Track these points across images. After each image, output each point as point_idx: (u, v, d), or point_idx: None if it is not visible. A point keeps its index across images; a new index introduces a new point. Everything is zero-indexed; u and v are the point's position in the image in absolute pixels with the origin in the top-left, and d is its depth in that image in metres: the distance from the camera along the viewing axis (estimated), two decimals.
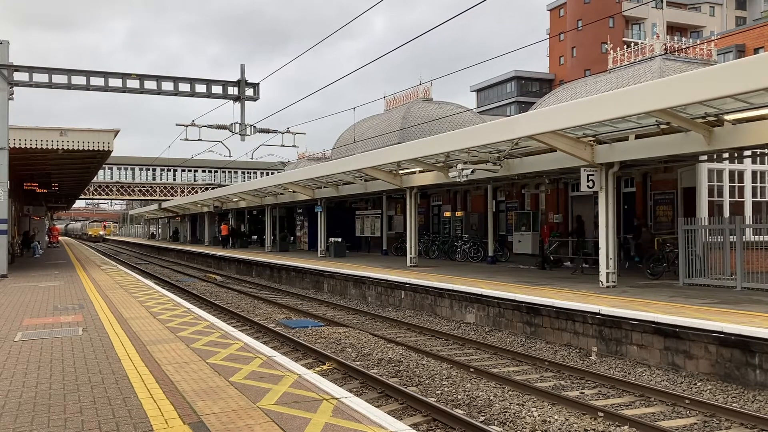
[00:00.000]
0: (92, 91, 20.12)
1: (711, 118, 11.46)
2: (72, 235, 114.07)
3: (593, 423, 7.32)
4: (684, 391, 8.56)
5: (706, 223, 14.67)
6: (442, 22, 13.58)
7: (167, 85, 20.56)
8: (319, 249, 29.06)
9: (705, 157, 15.33)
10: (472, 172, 16.82)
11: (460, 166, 16.75)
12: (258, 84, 21.39)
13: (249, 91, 21.31)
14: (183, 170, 77.40)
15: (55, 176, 29.85)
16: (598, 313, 10.91)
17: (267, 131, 23.97)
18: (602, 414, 7.49)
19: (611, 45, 31.81)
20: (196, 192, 71.99)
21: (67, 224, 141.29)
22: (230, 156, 28.43)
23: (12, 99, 19.10)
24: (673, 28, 62.71)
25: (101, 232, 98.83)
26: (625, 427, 7.15)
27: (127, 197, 79.51)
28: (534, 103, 34.54)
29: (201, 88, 20.91)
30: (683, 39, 27.83)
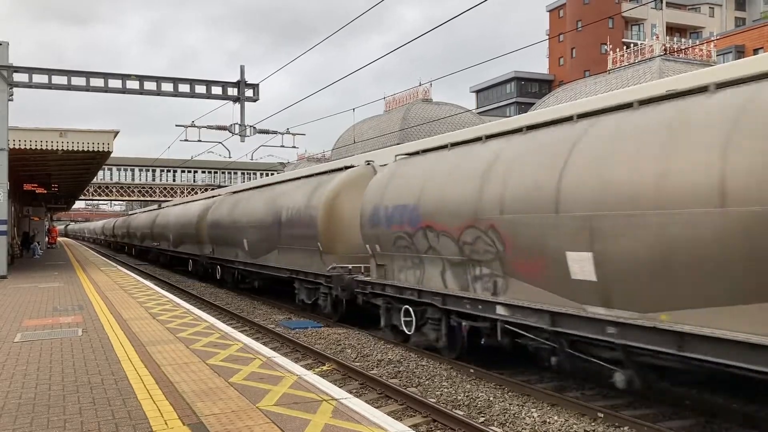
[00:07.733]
0: (92, 92, 20.18)
1: None
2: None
3: (593, 424, 7.32)
4: (685, 391, 8.54)
5: None
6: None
7: (167, 86, 20.58)
8: None
9: None
10: None
11: None
12: (258, 85, 21.43)
13: (249, 92, 21.35)
14: (183, 171, 77.42)
15: (55, 177, 29.87)
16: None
17: (266, 132, 23.99)
18: (602, 414, 7.49)
19: (611, 46, 31.87)
20: (196, 193, 71.98)
21: (67, 225, 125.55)
22: (230, 157, 28.47)
23: (12, 100, 19.12)
24: (672, 29, 62.81)
25: None
26: (625, 427, 7.15)
27: (127, 198, 79.50)
28: (534, 103, 34.55)
29: (201, 89, 20.93)
30: (683, 40, 27.87)
